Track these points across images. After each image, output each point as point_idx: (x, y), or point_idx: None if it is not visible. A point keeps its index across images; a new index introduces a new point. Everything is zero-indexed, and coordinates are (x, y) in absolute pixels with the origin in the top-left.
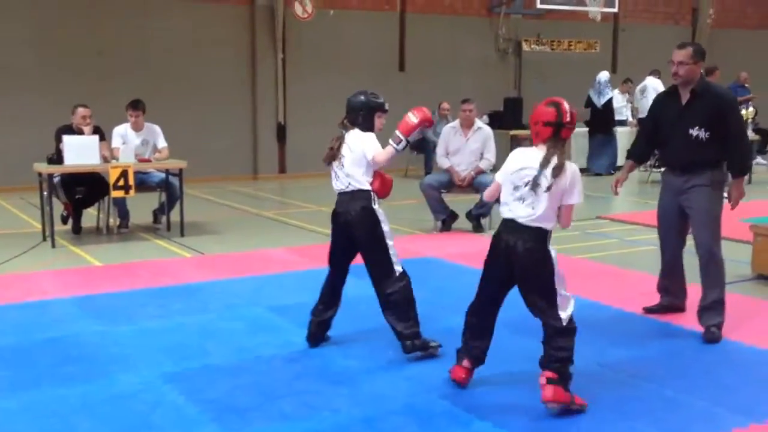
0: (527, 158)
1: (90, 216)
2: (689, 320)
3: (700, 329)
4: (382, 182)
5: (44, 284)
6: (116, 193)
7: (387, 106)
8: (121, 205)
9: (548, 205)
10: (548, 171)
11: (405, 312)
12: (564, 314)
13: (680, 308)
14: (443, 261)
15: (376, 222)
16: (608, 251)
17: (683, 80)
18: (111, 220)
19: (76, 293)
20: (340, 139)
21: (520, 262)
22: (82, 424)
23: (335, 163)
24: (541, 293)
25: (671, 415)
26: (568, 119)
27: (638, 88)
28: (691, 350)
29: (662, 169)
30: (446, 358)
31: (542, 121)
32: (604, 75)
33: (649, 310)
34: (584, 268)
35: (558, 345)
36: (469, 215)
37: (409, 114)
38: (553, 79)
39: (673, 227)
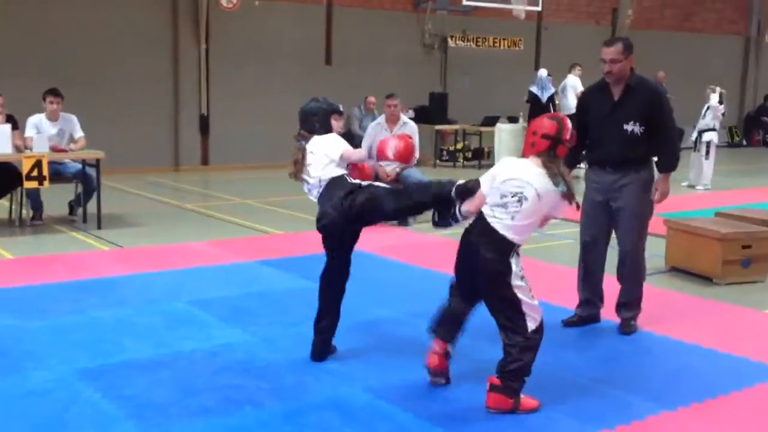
0: (517, 169)
1: (2, 207)
2: (604, 312)
3: (616, 320)
4: (361, 172)
5: None
6: (29, 184)
7: (342, 108)
8: (34, 197)
9: (529, 220)
10: (540, 188)
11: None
12: (532, 324)
13: (596, 318)
14: (369, 254)
15: (367, 186)
16: (527, 245)
17: (616, 77)
18: (24, 212)
19: None
20: (302, 150)
21: (479, 268)
22: None
23: (304, 175)
24: (502, 302)
25: (587, 403)
26: (567, 137)
27: (560, 87)
28: (606, 340)
29: (581, 167)
30: (369, 350)
31: (541, 132)
32: (544, 71)
33: (567, 323)
34: None
35: (514, 357)
36: None
37: (391, 143)
38: (477, 75)
39: (601, 228)
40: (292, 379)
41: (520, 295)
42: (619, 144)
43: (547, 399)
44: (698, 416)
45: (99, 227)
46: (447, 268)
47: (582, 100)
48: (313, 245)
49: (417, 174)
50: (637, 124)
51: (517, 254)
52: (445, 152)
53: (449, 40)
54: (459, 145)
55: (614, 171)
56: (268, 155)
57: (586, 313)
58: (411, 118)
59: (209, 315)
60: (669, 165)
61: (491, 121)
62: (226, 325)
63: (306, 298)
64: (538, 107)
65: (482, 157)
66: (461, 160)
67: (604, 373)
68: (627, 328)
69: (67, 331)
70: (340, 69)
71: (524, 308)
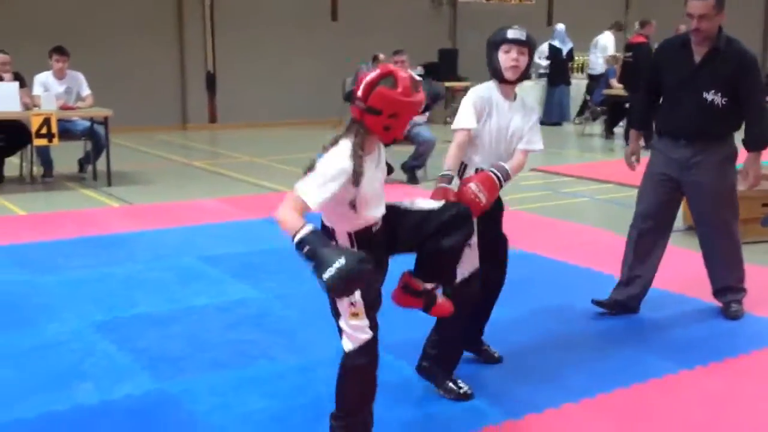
0: None
1: (13, 165)
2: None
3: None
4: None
5: None
6: (39, 142)
7: (514, 34)
8: (44, 154)
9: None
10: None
11: None
12: (349, 344)
13: (634, 309)
14: None
15: None
16: (544, 203)
17: (704, 36)
18: (35, 169)
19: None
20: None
21: None
22: (6, 372)
23: None
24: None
25: (601, 363)
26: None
27: (591, 43)
28: None
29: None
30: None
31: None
32: (562, 25)
33: (599, 304)
34: (521, 220)
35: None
36: (404, 167)
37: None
38: (488, 30)
39: (663, 207)
40: (305, 335)
41: (339, 307)
42: (697, 115)
43: (560, 358)
44: (716, 374)
45: (109, 184)
46: None
47: (657, 56)
48: None
49: (426, 132)
50: (719, 94)
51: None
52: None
53: None
54: None
55: (688, 145)
56: (275, 113)
57: (623, 298)
58: (420, 75)
59: (220, 271)
60: (758, 142)
61: None
62: (237, 281)
63: None
64: (558, 61)
65: None
66: None
67: (620, 333)
68: (731, 311)
69: (79, 285)
70: (347, 25)
71: (341, 323)
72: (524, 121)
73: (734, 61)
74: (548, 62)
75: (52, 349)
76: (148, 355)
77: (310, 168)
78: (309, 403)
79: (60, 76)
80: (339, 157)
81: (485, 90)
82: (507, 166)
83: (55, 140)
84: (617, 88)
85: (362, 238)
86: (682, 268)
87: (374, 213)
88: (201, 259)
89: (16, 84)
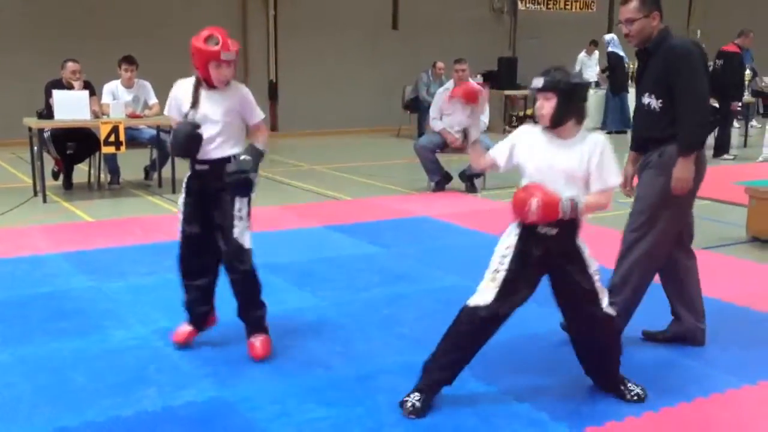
0: None
1: (81, 172)
2: None
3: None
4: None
5: (36, 239)
6: (107, 149)
7: (533, 83)
8: (111, 162)
9: None
10: None
11: None
12: None
13: (693, 339)
14: (436, 220)
15: None
16: (603, 213)
17: (637, 41)
18: (102, 176)
19: (68, 249)
20: None
21: None
22: (76, 377)
23: None
24: None
25: (664, 377)
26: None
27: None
28: None
29: None
30: (440, 317)
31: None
32: (612, 35)
33: (647, 336)
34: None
35: None
36: (462, 175)
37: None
38: (549, 39)
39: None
40: (363, 344)
41: None
42: (639, 121)
43: (623, 371)
44: None
45: (173, 191)
46: None
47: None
48: (380, 211)
49: (486, 140)
50: (653, 96)
51: None
52: (514, 118)
53: (519, 2)
54: (528, 111)
55: (641, 154)
56: (336, 121)
57: (671, 333)
58: (479, 84)
59: (280, 279)
60: (685, 144)
61: None
62: (296, 289)
63: (374, 263)
64: (621, 69)
65: None
66: None
67: (683, 346)
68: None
69: (145, 291)
70: (408, 34)
71: None
72: (581, 160)
73: (662, 59)
74: (602, 73)
75: (118, 355)
76: (211, 362)
77: None
78: (367, 413)
79: (128, 84)
80: (176, 85)
81: (529, 130)
82: (582, 200)
83: (123, 148)
84: None
85: (194, 169)
86: (747, 281)
87: (207, 149)
88: (262, 267)
89: (86, 93)
